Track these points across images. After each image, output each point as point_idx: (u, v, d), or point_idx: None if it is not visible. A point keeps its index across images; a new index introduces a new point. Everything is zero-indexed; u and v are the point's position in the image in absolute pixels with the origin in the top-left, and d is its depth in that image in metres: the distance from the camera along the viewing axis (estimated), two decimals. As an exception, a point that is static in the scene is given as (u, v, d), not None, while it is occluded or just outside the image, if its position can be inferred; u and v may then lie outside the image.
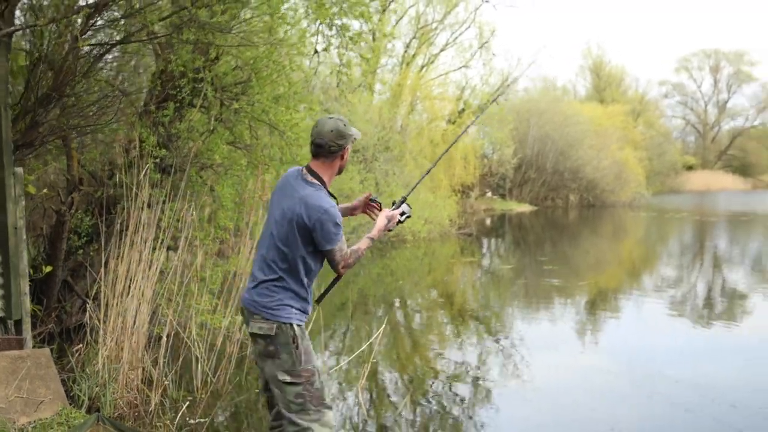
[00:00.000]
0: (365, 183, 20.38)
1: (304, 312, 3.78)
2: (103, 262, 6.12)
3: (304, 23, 9.47)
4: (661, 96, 77.15)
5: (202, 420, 5.44)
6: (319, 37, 11.06)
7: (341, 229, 3.71)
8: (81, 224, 7.23)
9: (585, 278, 14.49)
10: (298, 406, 3.67)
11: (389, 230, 4.13)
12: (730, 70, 76.93)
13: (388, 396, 6.51)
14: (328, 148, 3.72)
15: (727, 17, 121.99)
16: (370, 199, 4.20)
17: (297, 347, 3.67)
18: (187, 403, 5.64)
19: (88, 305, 6.47)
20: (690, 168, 68.80)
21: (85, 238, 7.23)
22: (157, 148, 6.58)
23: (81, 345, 6.27)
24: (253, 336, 3.70)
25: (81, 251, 7.27)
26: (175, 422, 5.25)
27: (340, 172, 3.89)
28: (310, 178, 3.76)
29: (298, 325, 3.71)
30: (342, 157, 3.81)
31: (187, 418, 5.45)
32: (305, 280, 3.74)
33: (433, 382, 6.97)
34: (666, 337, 9.08)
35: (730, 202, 46.04)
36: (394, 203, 4.24)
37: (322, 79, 20.56)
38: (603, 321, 10.01)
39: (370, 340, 7.00)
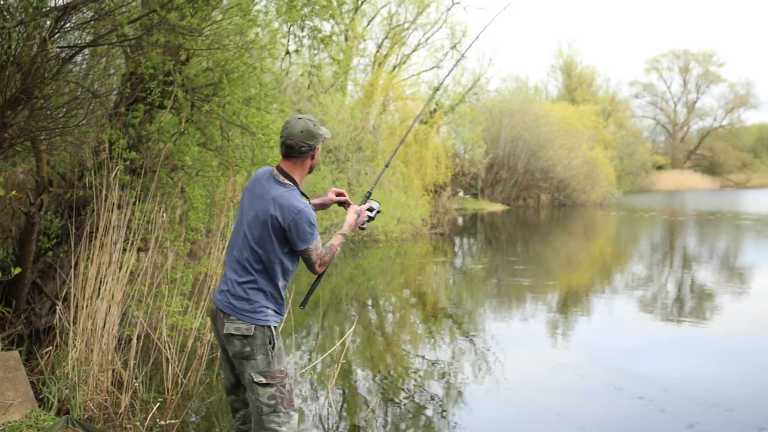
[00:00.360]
0: (337, 183, 20.44)
1: (280, 313, 3.79)
2: (72, 263, 6.10)
3: (275, 24, 9.52)
4: (631, 96, 78.10)
5: (172, 421, 5.45)
6: (291, 38, 11.12)
7: (316, 228, 3.72)
8: (50, 226, 7.20)
9: (555, 277, 14.62)
10: (270, 408, 3.68)
11: (362, 228, 4.17)
12: (699, 70, 78.10)
13: (361, 395, 6.54)
14: (298, 149, 3.73)
15: (695, 19, 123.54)
16: (339, 194, 4.24)
17: (273, 347, 3.68)
18: (158, 404, 5.64)
19: (57, 307, 6.46)
20: (660, 167, 69.60)
21: (54, 240, 7.19)
22: (127, 150, 6.57)
23: (50, 347, 6.26)
24: (229, 337, 3.69)
25: (50, 253, 7.25)
26: (146, 424, 5.26)
27: (310, 171, 3.90)
28: (281, 178, 3.76)
29: (275, 326, 3.73)
30: (312, 157, 3.83)
31: (158, 420, 5.45)
32: (281, 282, 3.75)
33: (405, 381, 7.01)
34: (635, 334, 9.20)
35: (698, 201, 46.64)
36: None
37: (294, 80, 20.58)
38: (573, 319, 10.08)
39: (342, 339, 7.04)
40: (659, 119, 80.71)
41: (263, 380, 3.67)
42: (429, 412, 6.14)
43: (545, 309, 10.89)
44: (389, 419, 5.94)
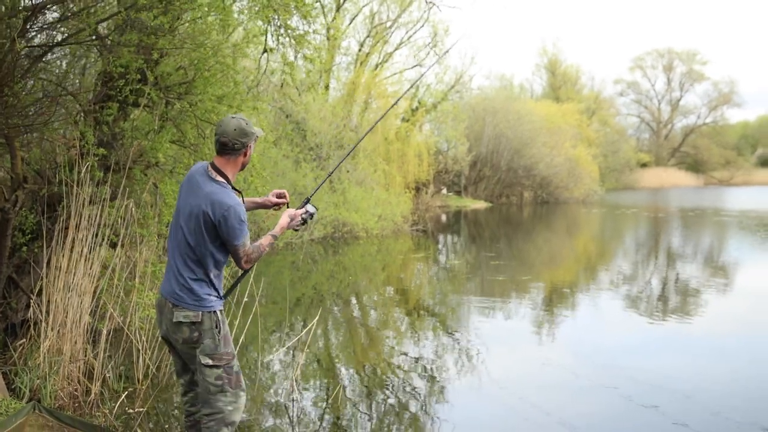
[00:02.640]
0: (318, 180, 20.56)
1: (221, 298, 4.01)
2: (46, 258, 6.25)
3: (249, 22, 9.61)
4: (616, 94, 78.48)
5: (141, 409, 5.62)
6: (269, 37, 11.23)
7: (245, 225, 3.92)
8: (26, 222, 7.32)
9: (538, 274, 14.85)
10: (217, 388, 3.91)
11: (295, 230, 4.37)
12: (682, 68, 78.58)
13: (345, 392, 6.64)
14: (232, 146, 3.93)
15: (679, 17, 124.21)
16: (280, 195, 4.43)
17: (220, 331, 3.91)
18: (126, 393, 5.80)
19: (32, 301, 6.59)
20: (644, 165, 69.92)
21: (29, 236, 7.32)
22: (96, 146, 6.70)
23: (24, 339, 6.40)
24: (178, 325, 3.88)
25: (25, 248, 7.37)
26: (114, 411, 5.42)
27: (243, 168, 4.10)
28: (215, 174, 3.96)
29: (220, 311, 3.96)
30: (245, 154, 4.03)
31: (127, 408, 5.62)
32: (214, 271, 3.96)
33: (387, 377, 7.12)
34: (620, 331, 9.30)
35: (680, 198, 46.97)
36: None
37: (276, 79, 20.66)
38: (557, 316, 10.16)
39: (308, 327, 7.19)
40: (643, 117, 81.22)
41: (210, 362, 3.89)
42: (412, 407, 6.24)
43: (529, 306, 10.96)
44: (373, 414, 6.04)
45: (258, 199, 4.41)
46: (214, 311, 3.91)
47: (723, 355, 8.10)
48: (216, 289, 3.97)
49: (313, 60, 10.29)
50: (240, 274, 4.27)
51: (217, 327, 3.90)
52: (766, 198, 45.08)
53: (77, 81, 7.68)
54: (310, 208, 4.38)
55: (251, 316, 7.06)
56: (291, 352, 7.75)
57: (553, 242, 21.94)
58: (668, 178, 70.04)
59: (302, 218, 4.33)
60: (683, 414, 5.97)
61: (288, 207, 4.46)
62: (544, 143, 40.57)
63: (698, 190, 61.64)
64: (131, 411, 5.59)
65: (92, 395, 5.59)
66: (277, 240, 4.17)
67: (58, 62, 7.47)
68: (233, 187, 4.00)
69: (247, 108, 8.69)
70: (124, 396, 5.71)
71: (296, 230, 4.38)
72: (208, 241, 3.87)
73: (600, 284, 13.27)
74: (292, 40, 9.70)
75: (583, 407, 6.30)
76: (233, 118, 3.95)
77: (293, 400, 6.28)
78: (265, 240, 4.08)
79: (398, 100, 6.32)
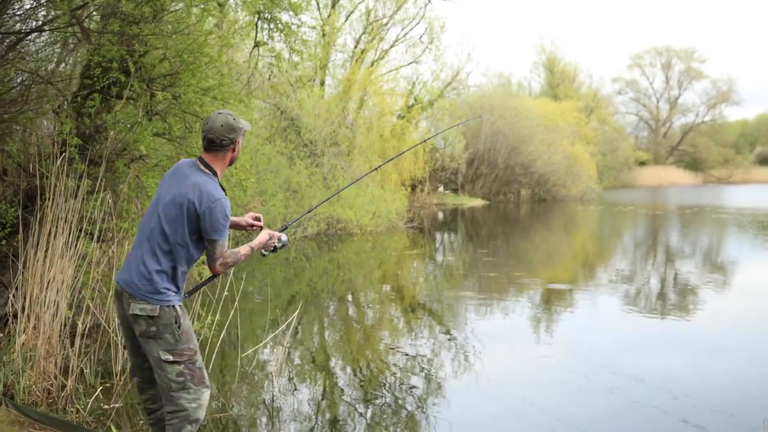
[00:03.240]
0: (313, 178, 20.46)
1: (180, 294, 3.89)
2: (23, 252, 6.14)
3: (232, 15, 9.55)
4: (614, 92, 78.37)
5: (116, 405, 5.51)
6: (259, 30, 11.15)
7: (228, 223, 3.84)
8: (5, 215, 7.21)
9: (536, 271, 14.73)
10: (179, 385, 3.79)
11: (262, 254, 4.27)
12: (681, 67, 78.51)
13: (341, 389, 6.58)
14: (219, 142, 3.85)
15: (677, 15, 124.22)
16: (256, 218, 4.38)
17: (179, 327, 3.78)
18: (101, 387, 5.69)
19: (10, 295, 6.48)
20: (642, 163, 69.85)
21: (9, 229, 7.21)
22: (71, 136, 6.59)
23: (1, 335, 6.30)
24: (135, 317, 3.76)
25: (4, 242, 7.26)
26: (87, 407, 5.32)
27: (231, 164, 4.03)
28: (203, 168, 3.89)
29: (180, 306, 3.83)
30: (233, 150, 3.95)
31: (102, 403, 5.51)
32: (184, 267, 3.86)
33: (383, 375, 7.02)
34: (619, 329, 9.17)
35: (678, 196, 46.94)
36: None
37: (270, 75, 20.57)
38: (555, 314, 10.05)
39: (288, 321, 7.07)
40: (642, 115, 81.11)
41: (171, 358, 3.77)
42: (408, 405, 6.14)
43: (526, 303, 10.83)
44: (369, 413, 5.96)
45: (234, 219, 4.30)
46: (173, 306, 3.79)
47: (722, 353, 7.97)
48: (176, 285, 3.86)
49: (300, 52, 10.20)
50: (208, 277, 4.19)
51: (176, 322, 3.78)
52: (764, 196, 45.00)
53: (59, 70, 7.56)
54: (284, 237, 4.33)
55: (247, 314, 6.95)
56: (287, 349, 7.68)
57: (551, 240, 21.86)
58: (667, 176, 69.96)
59: (278, 242, 4.27)
60: (682, 412, 5.86)
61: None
62: (541, 141, 40.48)
63: (697, 188, 61.60)
64: (106, 406, 5.49)
65: (65, 390, 5.48)
66: (251, 256, 4.08)
67: (38, 52, 7.35)
68: (221, 185, 3.93)
69: (234, 101, 8.60)
70: (99, 391, 5.60)
71: (263, 254, 4.31)
72: (187, 232, 3.78)
73: (597, 281, 13.16)
74: (281, 34, 9.61)
75: (581, 405, 6.20)
76: (220, 113, 3.89)
77: (279, 395, 6.20)
78: (243, 249, 4.02)
79: (424, 140, 6.22)
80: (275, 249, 4.27)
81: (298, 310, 7.16)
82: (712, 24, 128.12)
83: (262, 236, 4.18)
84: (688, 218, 28.23)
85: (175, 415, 3.80)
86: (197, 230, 3.79)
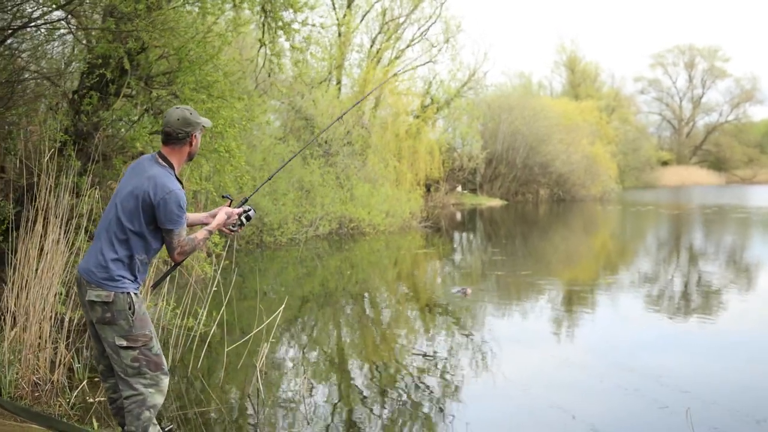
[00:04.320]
0: (325, 177, 20.45)
1: (139, 282, 3.97)
2: (14, 247, 6.19)
3: (235, 8, 9.54)
4: (637, 92, 77.76)
5: (101, 399, 5.53)
6: (262, 29, 11.16)
7: (184, 213, 3.94)
8: (2, 211, 7.27)
9: (555, 272, 14.66)
10: (135, 370, 3.87)
11: (231, 229, 4.32)
12: (704, 65, 77.71)
13: (358, 389, 6.56)
14: (175, 135, 3.98)
15: (700, 13, 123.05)
16: (223, 196, 4.45)
17: (134, 313, 3.86)
18: (86, 381, 5.72)
19: (5, 289, 6.53)
20: (665, 163, 69.26)
21: (5, 225, 7.26)
22: (62, 133, 6.63)
23: (-6, 329, 6.33)
24: (91, 303, 3.85)
25: (1, 237, 7.32)
26: (71, 401, 5.34)
27: (190, 158, 4.14)
28: (161, 161, 4.00)
29: (135, 293, 3.90)
30: (191, 144, 4.07)
31: (87, 397, 5.54)
32: (142, 255, 3.95)
33: (401, 375, 6.99)
34: (639, 330, 9.05)
35: (700, 196, 46.45)
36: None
37: (286, 75, 20.64)
38: (575, 315, 9.94)
39: (274, 315, 7.03)
40: (665, 115, 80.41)
41: (125, 343, 3.85)
42: (425, 405, 6.12)
43: (545, 303, 10.74)
44: (386, 413, 5.96)
45: (202, 215, 4.41)
46: (128, 293, 3.87)
47: (744, 355, 7.80)
48: (133, 274, 3.93)
49: (302, 50, 10.19)
50: (171, 266, 4.29)
51: (131, 309, 3.86)
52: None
53: (51, 67, 7.60)
54: (250, 211, 4.37)
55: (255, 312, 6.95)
56: (302, 350, 7.67)
57: (570, 240, 21.67)
58: (689, 176, 69.28)
59: (239, 218, 4.32)
60: (702, 414, 5.73)
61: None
62: (560, 140, 40.19)
63: (720, 188, 60.92)
64: (91, 400, 5.52)
65: (52, 384, 5.50)
66: (209, 238, 4.13)
67: (31, 51, 7.40)
68: (177, 178, 4.02)
69: (232, 99, 8.63)
70: (84, 384, 5.63)
71: (231, 231, 4.36)
72: (144, 222, 3.87)
73: (617, 282, 12.94)
74: (281, 31, 9.61)
75: (599, 406, 6.14)
76: (177, 108, 4.02)
77: (304, 397, 6.19)
78: (200, 234, 4.12)
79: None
80: (242, 224, 4.33)
81: (279, 310, 7.06)
82: (735, 22, 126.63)
83: (220, 217, 4.27)
84: (708, 218, 27.92)
85: (132, 399, 3.87)
86: (153, 220, 3.89)
